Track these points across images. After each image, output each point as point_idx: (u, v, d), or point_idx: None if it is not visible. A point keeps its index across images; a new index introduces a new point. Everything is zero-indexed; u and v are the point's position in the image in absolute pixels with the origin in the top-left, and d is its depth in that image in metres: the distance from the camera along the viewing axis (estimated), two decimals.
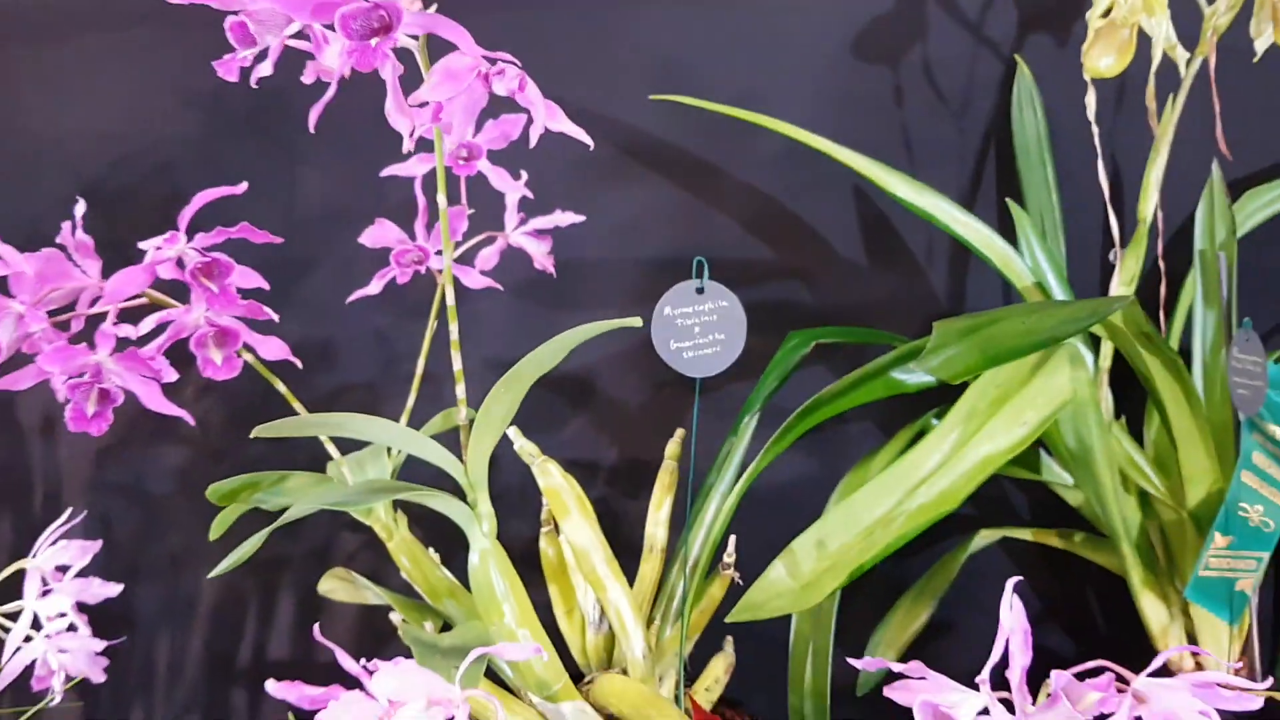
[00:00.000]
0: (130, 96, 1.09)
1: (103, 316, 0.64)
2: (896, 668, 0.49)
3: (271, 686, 0.46)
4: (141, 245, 0.60)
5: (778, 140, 0.91)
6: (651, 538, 0.84)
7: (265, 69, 0.52)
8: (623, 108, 1.03)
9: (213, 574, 0.63)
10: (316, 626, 0.55)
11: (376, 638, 1.04)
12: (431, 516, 0.82)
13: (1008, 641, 0.49)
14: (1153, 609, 0.83)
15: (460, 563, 0.81)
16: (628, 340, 1.05)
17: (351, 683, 0.50)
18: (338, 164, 1.06)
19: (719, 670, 0.83)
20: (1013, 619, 0.49)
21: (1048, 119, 0.93)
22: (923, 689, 0.49)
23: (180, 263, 0.59)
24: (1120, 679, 0.51)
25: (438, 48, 0.59)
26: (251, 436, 0.60)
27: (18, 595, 0.81)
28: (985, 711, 0.49)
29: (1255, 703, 0.50)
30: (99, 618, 0.78)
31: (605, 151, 1.03)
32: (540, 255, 0.84)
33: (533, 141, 0.57)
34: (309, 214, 1.08)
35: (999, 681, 0.51)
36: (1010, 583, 0.49)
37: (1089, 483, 0.80)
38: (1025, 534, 0.93)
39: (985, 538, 0.92)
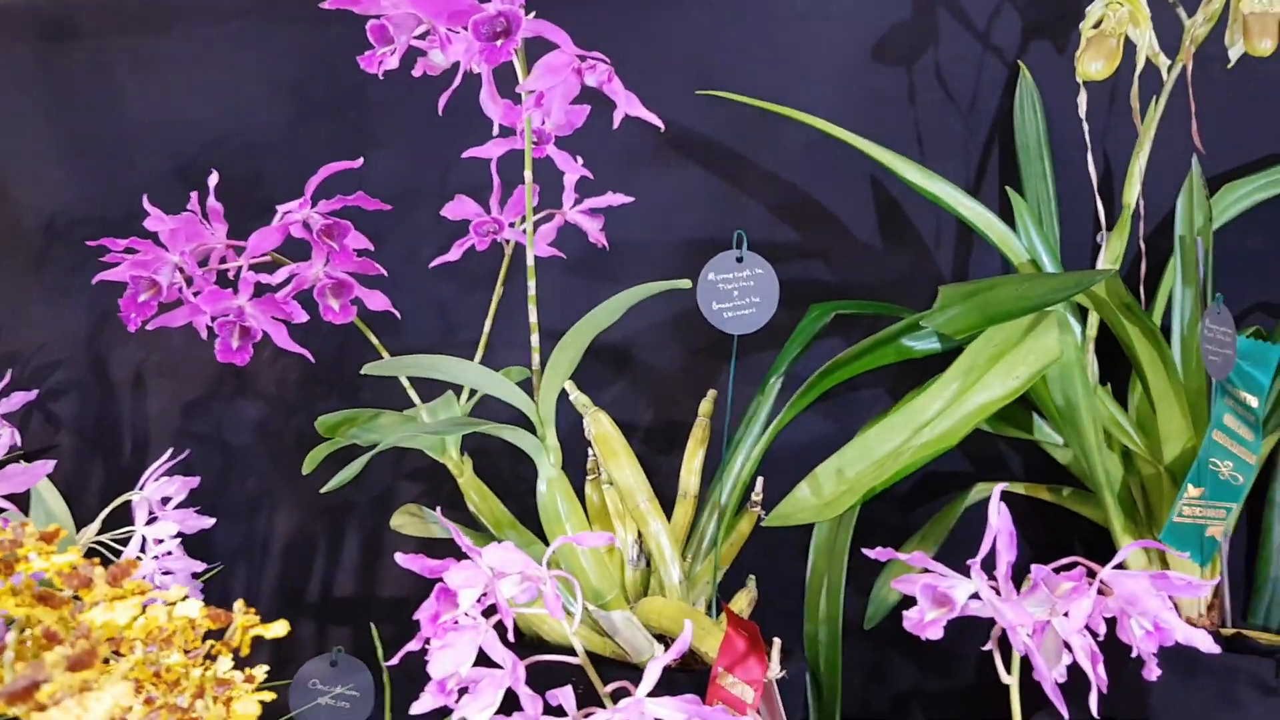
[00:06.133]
0: (221, 85, 1.12)
1: (227, 271, 0.74)
2: (903, 558, 0.58)
3: (400, 558, 0.55)
4: (280, 208, 0.69)
5: (801, 133, 0.94)
6: (685, 484, 0.89)
7: (392, 63, 0.61)
8: (665, 102, 1.05)
9: (325, 489, 0.70)
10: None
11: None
12: (488, 468, 0.89)
13: (995, 539, 0.58)
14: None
15: (510, 505, 0.88)
16: (662, 314, 1.06)
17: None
18: (403, 149, 1.09)
19: (742, 603, 0.88)
20: (999, 521, 0.57)
21: (1046, 118, 0.96)
22: (925, 577, 0.58)
23: (306, 224, 0.68)
24: (1090, 572, 0.59)
25: (532, 51, 0.66)
26: (361, 374, 0.69)
27: (120, 526, 0.84)
28: (976, 596, 0.58)
29: (1203, 590, 0.57)
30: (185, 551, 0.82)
31: (649, 141, 1.04)
32: (594, 231, 0.90)
33: (615, 124, 0.65)
34: (377, 192, 1.11)
35: (987, 575, 0.59)
36: (996, 489, 0.57)
37: (1075, 439, 0.83)
38: (1019, 488, 0.95)
39: (981, 491, 0.95)
